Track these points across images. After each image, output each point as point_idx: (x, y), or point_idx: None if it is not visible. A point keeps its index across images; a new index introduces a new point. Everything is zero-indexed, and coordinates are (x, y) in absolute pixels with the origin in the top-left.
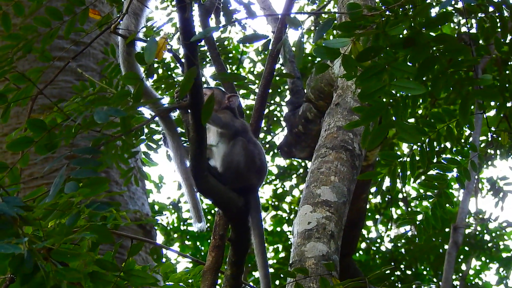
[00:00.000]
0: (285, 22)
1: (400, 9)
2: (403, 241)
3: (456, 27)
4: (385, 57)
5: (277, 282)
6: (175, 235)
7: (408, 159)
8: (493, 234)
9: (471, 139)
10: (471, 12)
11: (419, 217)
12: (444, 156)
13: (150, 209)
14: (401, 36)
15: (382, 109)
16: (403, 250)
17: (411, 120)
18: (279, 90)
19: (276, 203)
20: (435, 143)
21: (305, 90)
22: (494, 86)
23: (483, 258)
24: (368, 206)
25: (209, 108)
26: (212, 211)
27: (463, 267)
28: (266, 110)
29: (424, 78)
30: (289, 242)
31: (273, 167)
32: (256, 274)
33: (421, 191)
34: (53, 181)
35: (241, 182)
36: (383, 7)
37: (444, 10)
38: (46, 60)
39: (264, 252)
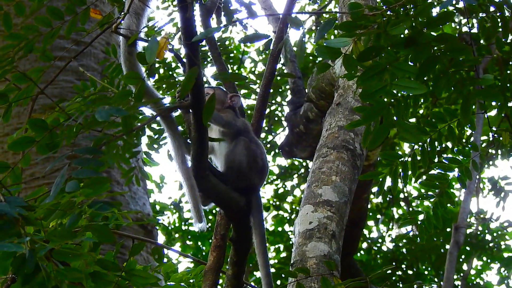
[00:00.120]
0: (286, 21)
1: (401, 9)
2: (404, 241)
3: (457, 27)
4: (386, 57)
5: (278, 282)
6: (177, 235)
7: (409, 159)
8: (495, 234)
9: (472, 138)
10: (472, 12)
11: (421, 217)
12: (445, 155)
13: (151, 209)
14: (402, 35)
15: (383, 108)
16: (404, 250)
17: (412, 120)
18: (280, 90)
19: (278, 203)
20: (436, 143)
21: (306, 90)
22: (495, 85)
23: (484, 258)
24: (369, 206)
25: (211, 107)
26: (214, 211)
27: (465, 267)
28: (267, 110)
29: (425, 78)
30: (290, 242)
31: (274, 167)
32: (258, 274)
33: (422, 190)
34: (55, 181)
35: (243, 182)
36: (384, 7)
37: (445, 9)
38: (47, 60)
39: (266, 251)
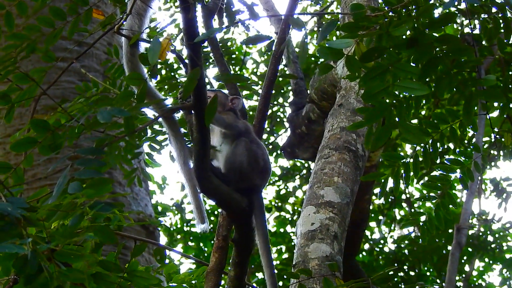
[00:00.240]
0: (288, 23)
1: (403, 10)
2: (406, 242)
3: (459, 28)
4: (389, 58)
5: (280, 283)
6: (178, 236)
7: (411, 160)
8: (497, 235)
9: (474, 140)
10: (474, 13)
11: (423, 218)
12: (447, 157)
13: (153, 210)
14: (404, 36)
15: (386, 110)
16: (406, 251)
17: (414, 121)
18: (282, 91)
19: (279, 204)
20: (438, 144)
21: (308, 91)
22: (497, 86)
23: (486, 259)
24: (371, 207)
25: (213, 108)
26: (216, 212)
27: (467, 268)
28: (269, 111)
29: (427, 79)
30: (293, 243)
31: (276, 168)
32: (260, 275)
33: (424, 192)
34: (57, 182)
35: (245, 182)
36: (386, 8)
37: (447, 10)
38: (50, 60)
39: (269, 252)
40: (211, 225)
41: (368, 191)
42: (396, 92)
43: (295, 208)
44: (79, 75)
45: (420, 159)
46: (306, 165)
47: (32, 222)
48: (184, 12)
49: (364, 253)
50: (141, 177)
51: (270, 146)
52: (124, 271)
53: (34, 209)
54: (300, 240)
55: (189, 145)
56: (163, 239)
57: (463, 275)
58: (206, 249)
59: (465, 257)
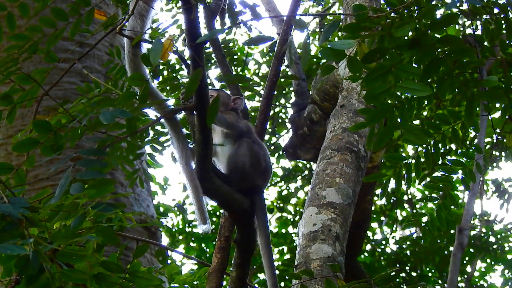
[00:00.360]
0: (290, 23)
1: (405, 11)
2: (408, 242)
3: (461, 28)
4: (391, 59)
5: (282, 284)
6: (180, 237)
7: (413, 161)
8: (498, 236)
9: (476, 140)
10: (476, 14)
11: (424, 218)
12: (449, 157)
13: (155, 210)
14: (406, 37)
15: (387, 110)
16: (408, 251)
17: (416, 122)
18: (284, 92)
19: (281, 205)
20: (440, 145)
21: (310, 92)
22: (499, 87)
23: (488, 260)
24: (373, 208)
25: (215, 109)
26: (218, 213)
27: (468, 269)
28: (271, 112)
29: (429, 80)
30: (294, 244)
31: (278, 169)
32: (262, 276)
33: (426, 192)
34: (59, 183)
35: (247, 183)
36: (388, 9)
37: (449, 11)
38: (52, 61)
39: (271, 252)
40: (213, 226)
41: (370, 192)
42: (398, 93)
43: (297, 209)
44: (81, 76)
45: (422, 160)
46: (308, 166)
47: (34, 222)
48: (186, 13)
49: (366, 254)
50: (143, 178)
51: (272, 147)
52: (126, 272)
53: (36, 209)
54: (302, 241)
55: (191, 146)
56: (165, 240)
57: (465, 276)
58: (208, 249)
59: (467, 258)
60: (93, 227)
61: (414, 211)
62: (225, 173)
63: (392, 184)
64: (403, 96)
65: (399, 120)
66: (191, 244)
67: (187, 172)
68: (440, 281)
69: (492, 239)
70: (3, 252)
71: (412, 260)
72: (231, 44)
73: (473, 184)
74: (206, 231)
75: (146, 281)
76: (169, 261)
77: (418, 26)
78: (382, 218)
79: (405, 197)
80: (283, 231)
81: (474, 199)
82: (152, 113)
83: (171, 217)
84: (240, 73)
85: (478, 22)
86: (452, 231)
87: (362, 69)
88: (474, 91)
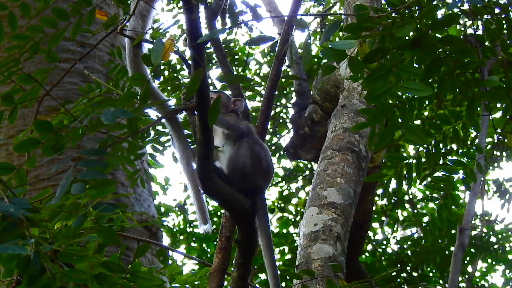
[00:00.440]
0: (291, 23)
1: (406, 11)
2: (409, 243)
3: (462, 29)
4: (392, 59)
5: (283, 284)
6: (181, 237)
7: (414, 161)
8: (499, 236)
9: (477, 140)
10: (477, 14)
11: (425, 219)
12: (450, 158)
13: (156, 211)
14: (407, 37)
15: (388, 110)
16: (409, 252)
17: (417, 122)
18: (285, 92)
19: (282, 205)
20: (441, 145)
21: (311, 92)
22: (500, 87)
23: (489, 260)
24: (374, 208)
25: (216, 109)
26: (219, 213)
27: (469, 269)
28: (272, 112)
29: (430, 80)
30: (295, 244)
31: (279, 169)
32: (263, 276)
33: (427, 193)
34: (60, 183)
35: (248, 183)
36: (389, 9)
37: (450, 11)
38: (53, 61)
39: (272, 252)
40: (214, 226)
41: (371, 192)
42: (399, 93)
43: (298, 209)
44: (82, 76)
45: (423, 160)
46: (309, 166)
47: (35, 223)
48: (187, 13)
49: (367, 254)
50: (144, 178)
51: (273, 147)
52: (127, 272)
53: (37, 210)
54: (303, 241)
55: (192, 146)
56: (166, 240)
57: (466, 276)
58: (209, 250)
59: (468, 258)
60: (94, 227)
61: (415, 211)
62: (226, 174)
63: (393, 184)
64: (404, 96)
65: (400, 120)
66: (192, 244)
67: (188, 172)
68: (441, 281)
69: (493, 239)
70: (4, 253)
71: (413, 260)
72: (232, 44)
73: (474, 184)
74: (207, 231)
75: (147, 281)
76: (170, 261)
77: (419, 26)
78: (383, 218)
79: (406, 197)
80: (284, 231)
81: (475, 199)
82: (153, 113)
83: (172, 217)
84: (241, 73)
85: (479, 22)
86: (453, 231)
87: (363, 69)
88: (475, 91)
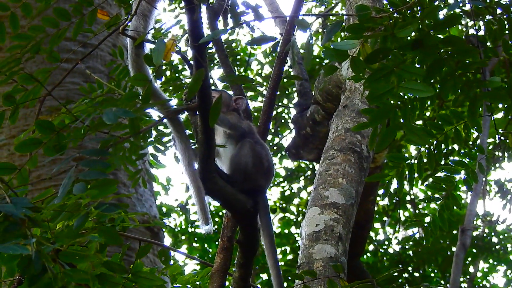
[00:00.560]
0: (293, 24)
1: (408, 11)
2: (410, 243)
3: (464, 29)
4: (393, 59)
5: (285, 284)
6: (183, 237)
7: (416, 161)
8: (501, 236)
9: (478, 141)
10: (479, 14)
11: (427, 219)
12: (451, 158)
13: (158, 211)
14: (409, 38)
15: (390, 111)
16: (410, 252)
17: (419, 122)
18: (287, 92)
19: (284, 205)
20: (442, 145)
21: (313, 92)
22: (502, 88)
23: (491, 260)
24: (375, 208)
25: (217, 109)
26: (220, 213)
27: (471, 269)
28: (274, 112)
29: (432, 80)
30: (297, 244)
31: (281, 169)
32: (264, 276)
33: (429, 193)
34: (61, 183)
35: (249, 183)
36: (391, 9)
37: (452, 12)
38: (54, 61)
39: (275, 252)
40: (216, 226)
41: (372, 192)
42: (401, 94)
43: (300, 209)
44: (84, 76)
45: (425, 160)
46: (310, 166)
47: (36, 222)
48: (189, 13)
49: (368, 254)
50: (145, 178)
51: (275, 147)
52: (129, 272)
53: (39, 209)
54: (304, 241)
55: (194, 146)
56: (167, 240)
57: (468, 276)
58: (210, 250)
59: (469, 258)
60: (95, 227)
61: (417, 211)
62: (228, 174)
63: (394, 184)
64: (406, 97)
65: (401, 120)
66: (194, 244)
67: (189, 173)
68: (442, 282)
69: (494, 239)
70: (6, 252)
71: (415, 261)
72: (234, 44)
73: (475, 184)
74: (209, 232)
75: (148, 281)
76: (171, 262)
77: (421, 26)
78: (385, 218)
79: (408, 198)
80: (286, 231)
81: (476, 199)
82: (155, 113)
83: (174, 217)
84: (243, 73)
85: (481, 23)
86: (454, 232)
87: (365, 69)
88: (477, 91)
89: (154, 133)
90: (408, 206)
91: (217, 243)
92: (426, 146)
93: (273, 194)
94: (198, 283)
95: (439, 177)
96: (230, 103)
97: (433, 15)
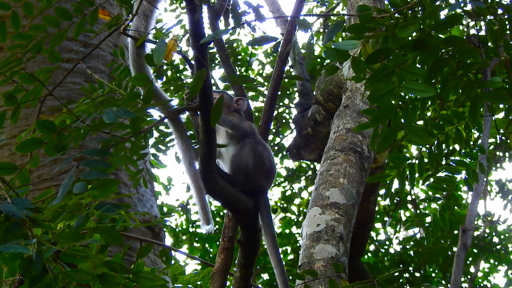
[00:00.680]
0: (294, 24)
1: (410, 12)
2: (411, 243)
3: (465, 29)
4: (395, 59)
5: None
6: (184, 237)
7: (417, 161)
8: (502, 237)
9: (479, 141)
10: (480, 15)
11: (428, 219)
12: (452, 158)
13: (158, 211)
14: (410, 38)
15: (391, 111)
16: (411, 252)
17: (420, 122)
18: (288, 92)
19: (285, 205)
20: (443, 145)
21: (314, 92)
22: (503, 88)
23: (491, 261)
24: (376, 208)
25: (219, 109)
26: (221, 213)
27: (472, 269)
28: (275, 112)
29: (433, 80)
30: (298, 244)
31: (282, 169)
32: (265, 276)
33: (430, 193)
34: (62, 183)
35: (251, 184)
36: (392, 9)
37: (453, 12)
38: (55, 61)
39: (277, 251)
40: (217, 226)
41: (373, 193)
42: (402, 94)
43: (301, 209)
44: (85, 76)
45: (426, 160)
46: (311, 166)
47: (37, 223)
48: (190, 13)
49: (369, 254)
50: (146, 178)
51: (276, 147)
52: (130, 272)
53: (40, 210)
54: (305, 241)
55: (195, 146)
56: (168, 240)
57: (469, 277)
58: (211, 250)
59: (470, 259)
60: (96, 227)
61: (418, 211)
62: (229, 174)
63: (395, 184)
64: (407, 97)
65: (403, 120)
66: (195, 244)
67: (190, 173)
68: (443, 282)
69: (495, 239)
70: (7, 252)
71: (416, 261)
72: (235, 45)
73: (476, 184)
74: (210, 232)
75: (149, 281)
76: (172, 261)
77: (422, 26)
78: (386, 218)
79: (409, 198)
80: (287, 231)
81: (477, 199)
82: (156, 113)
83: (175, 217)
84: (244, 73)
85: (482, 23)
86: (455, 232)
87: (366, 69)
88: (478, 91)
89: (155, 133)
90: (409, 206)
91: (218, 243)
92: (427, 146)
93: (274, 194)
94: (199, 283)
95: (440, 177)
96: (231, 104)
97: (434, 15)
